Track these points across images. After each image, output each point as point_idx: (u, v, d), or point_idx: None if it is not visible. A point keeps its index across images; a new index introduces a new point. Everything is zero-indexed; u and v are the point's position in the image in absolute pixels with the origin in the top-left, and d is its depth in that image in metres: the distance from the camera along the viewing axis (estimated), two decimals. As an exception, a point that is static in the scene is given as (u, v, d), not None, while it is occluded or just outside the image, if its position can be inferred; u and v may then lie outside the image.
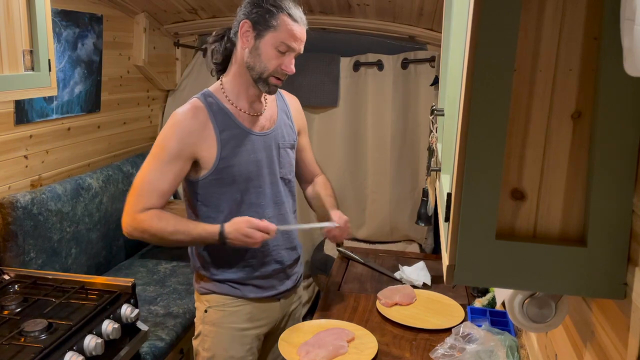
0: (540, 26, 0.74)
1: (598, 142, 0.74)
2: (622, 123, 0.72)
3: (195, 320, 1.81)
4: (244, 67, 1.62)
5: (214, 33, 1.72)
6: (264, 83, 1.62)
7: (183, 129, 1.60)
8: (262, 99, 1.73)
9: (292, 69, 1.61)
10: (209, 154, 1.61)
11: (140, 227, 1.59)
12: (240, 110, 1.67)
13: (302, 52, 1.63)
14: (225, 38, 1.68)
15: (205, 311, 1.74)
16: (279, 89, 1.79)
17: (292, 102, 1.87)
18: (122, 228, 1.63)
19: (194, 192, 1.68)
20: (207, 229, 1.60)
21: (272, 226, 1.60)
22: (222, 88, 1.68)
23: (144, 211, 1.58)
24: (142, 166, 1.63)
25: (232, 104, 1.67)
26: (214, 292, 1.73)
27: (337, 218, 1.77)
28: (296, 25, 1.58)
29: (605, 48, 0.71)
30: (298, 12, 1.59)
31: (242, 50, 1.62)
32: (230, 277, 1.71)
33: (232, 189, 1.65)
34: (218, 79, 1.73)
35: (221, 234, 1.58)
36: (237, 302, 1.73)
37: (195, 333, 1.79)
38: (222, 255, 1.71)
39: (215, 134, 1.62)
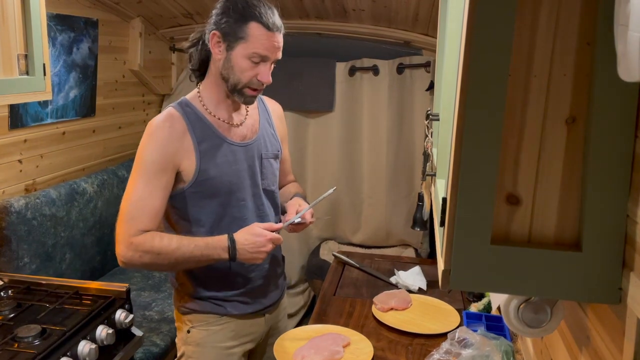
0: (534, 31, 0.74)
1: (592, 147, 0.74)
2: (616, 128, 0.73)
3: (176, 341, 1.70)
4: (220, 77, 1.53)
5: (190, 37, 1.59)
6: (239, 94, 1.52)
7: (162, 139, 1.48)
8: (243, 107, 1.63)
9: (268, 78, 1.50)
10: (188, 165, 1.50)
11: (140, 249, 1.45)
12: (220, 119, 1.57)
13: (279, 58, 1.52)
14: (201, 43, 1.56)
15: (188, 332, 1.63)
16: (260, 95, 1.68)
17: (274, 108, 1.75)
18: (118, 258, 1.48)
19: (171, 206, 1.55)
20: (214, 239, 1.50)
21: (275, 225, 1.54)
22: (200, 97, 1.57)
23: (139, 234, 1.45)
24: (127, 188, 1.49)
25: (211, 114, 1.56)
26: (196, 311, 1.62)
27: (295, 205, 1.66)
28: (269, 33, 1.45)
29: (599, 53, 0.72)
30: (271, 17, 1.46)
31: (216, 61, 1.51)
32: (213, 295, 1.61)
33: (213, 202, 1.55)
34: (197, 85, 1.61)
35: (231, 240, 1.48)
36: (221, 320, 1.63)
37: (178, 355, 1.68)
38: (204, 271, 1.59)
39: (193, 145, 1.51)
